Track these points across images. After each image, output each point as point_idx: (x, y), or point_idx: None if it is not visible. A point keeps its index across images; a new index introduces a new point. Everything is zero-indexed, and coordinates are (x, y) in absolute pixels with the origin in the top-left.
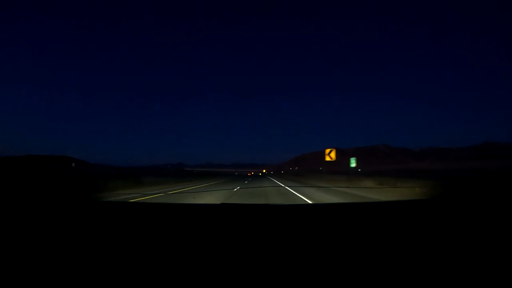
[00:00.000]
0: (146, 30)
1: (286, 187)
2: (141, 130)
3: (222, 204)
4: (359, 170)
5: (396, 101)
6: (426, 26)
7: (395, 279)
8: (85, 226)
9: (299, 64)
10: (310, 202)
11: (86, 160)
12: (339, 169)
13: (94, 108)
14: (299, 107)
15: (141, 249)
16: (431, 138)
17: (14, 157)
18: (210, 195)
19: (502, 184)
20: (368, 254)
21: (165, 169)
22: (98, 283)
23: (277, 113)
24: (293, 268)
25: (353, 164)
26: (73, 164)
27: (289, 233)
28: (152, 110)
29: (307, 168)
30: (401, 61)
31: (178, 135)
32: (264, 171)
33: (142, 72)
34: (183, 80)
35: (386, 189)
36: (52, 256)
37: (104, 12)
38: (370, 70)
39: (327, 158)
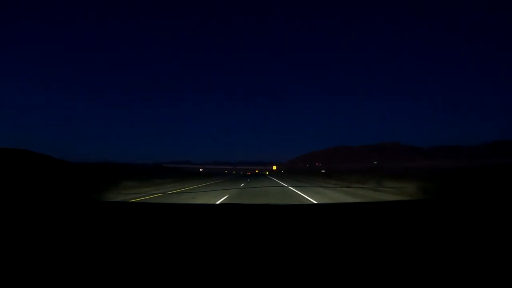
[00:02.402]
0: (145, 28)
1: None
2: (144, 129)
3: (223, 204)
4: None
5: (406, 98)
6: (436, 23)
7: (397, 279)
8: (85, 226)
9: (307, 61)
10: (313, 201)
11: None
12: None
13: (97, 107)
14: (307, 104)
15: (142, 249)
16: (441, 136)
17: None
18: None
19: (500, 183)
20: (369, 254)
21: (143, 168)
22: (99, 283)
23: (283, 111)
24: (294, 268)
25: None
26: None
27: (290, 234)
28: (157, 110)
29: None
30: (411, 58)
31: (185, 134)
32: (274, 167)
33: (146, 69)
34: (188, 79)
35: None
36: (53, 255)
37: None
38: (380, 68)
39: None
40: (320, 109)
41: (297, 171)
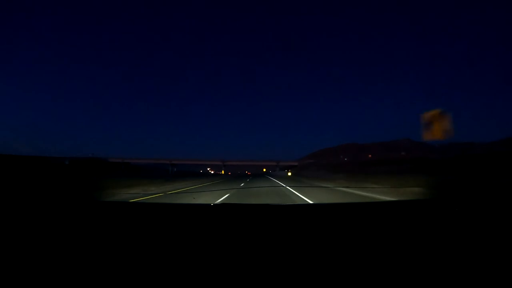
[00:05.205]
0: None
1: None
2: (153, 126)
3: (223, 204)
4: None
5: (416, 94)
6: (445, 20)
7: (396, 279)
8: (84, 225)
9: (315, 59)
10: (311, 202)
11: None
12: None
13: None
14: (315, 102)
15: (142, 249)
16: (454, 133)
17: None
18: None
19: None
20: (368, 254)
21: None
22: (98, 283)
23: (291, 108)
24: (293, 268)
25: None
26: None
27: (289, 233)
28: (164, 109)
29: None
30: (421, 54)
31: (189, 133)
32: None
33: (150, 68)
34: (194, 77)
35: None
36: (52, 255)
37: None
38: (390, 64)
39: None
40: (329, 106)
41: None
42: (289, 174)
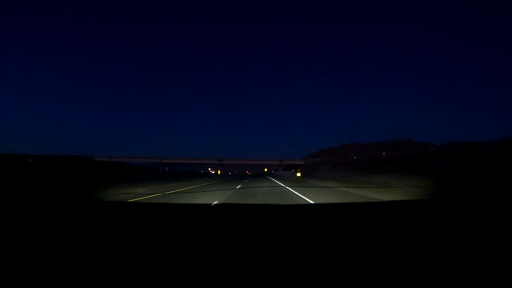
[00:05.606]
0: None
1: None
2: (153, 126)
3: (223, 204)
4: None
5: (419, 94)
6: (448, 18)
7: (396, 279)
8: (84, 225)
9: (318, 58)
10: (311, 202)
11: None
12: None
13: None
14: (315, 101)
15: (141, 249)
16: (455, 132)
17: None
18: None
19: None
20: (368, 254)
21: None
22: (98, 283)
23: (291, 107)
24: (293, 268)
25: None
26: None
27: (289, 233)
28: (163, 109)
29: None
30: (423, 53)
31: (189, 132)
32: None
33: (155, 68)
34: (193, 76)
35: None
36: (52, 255)
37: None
38: (391, 64)
39: None
40: (329, 106)
41: None
42: (298, 175)
